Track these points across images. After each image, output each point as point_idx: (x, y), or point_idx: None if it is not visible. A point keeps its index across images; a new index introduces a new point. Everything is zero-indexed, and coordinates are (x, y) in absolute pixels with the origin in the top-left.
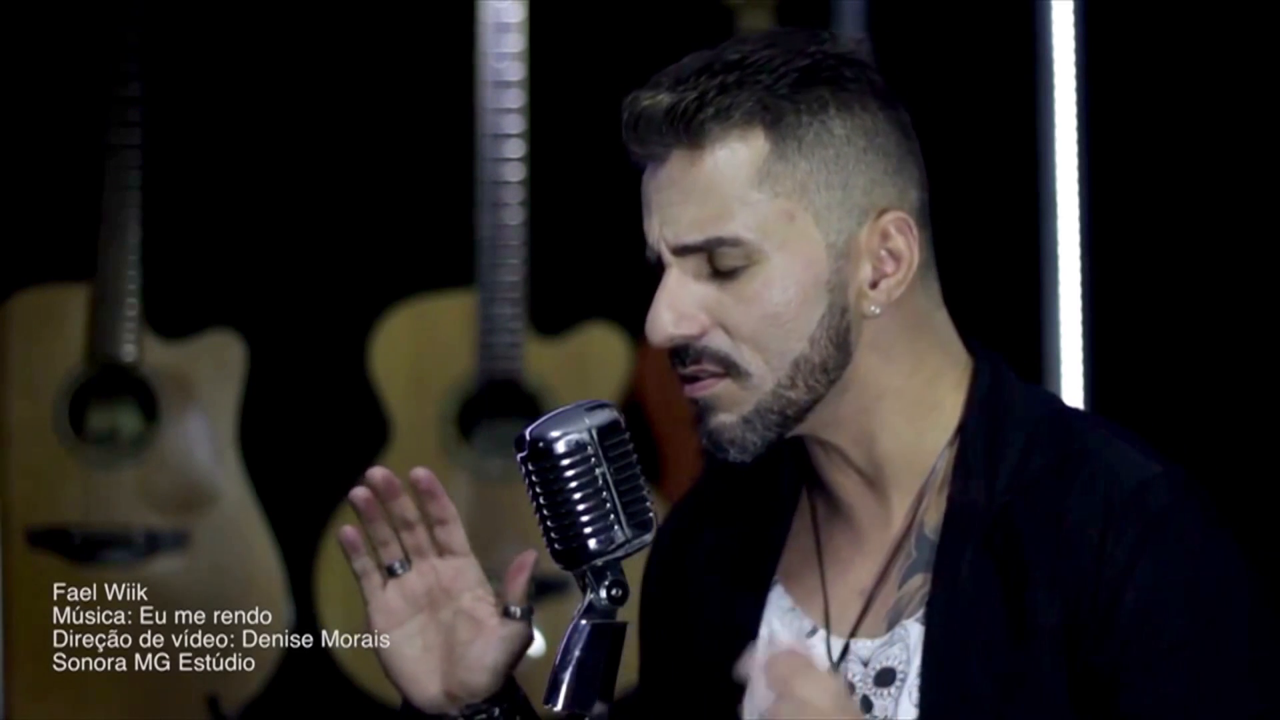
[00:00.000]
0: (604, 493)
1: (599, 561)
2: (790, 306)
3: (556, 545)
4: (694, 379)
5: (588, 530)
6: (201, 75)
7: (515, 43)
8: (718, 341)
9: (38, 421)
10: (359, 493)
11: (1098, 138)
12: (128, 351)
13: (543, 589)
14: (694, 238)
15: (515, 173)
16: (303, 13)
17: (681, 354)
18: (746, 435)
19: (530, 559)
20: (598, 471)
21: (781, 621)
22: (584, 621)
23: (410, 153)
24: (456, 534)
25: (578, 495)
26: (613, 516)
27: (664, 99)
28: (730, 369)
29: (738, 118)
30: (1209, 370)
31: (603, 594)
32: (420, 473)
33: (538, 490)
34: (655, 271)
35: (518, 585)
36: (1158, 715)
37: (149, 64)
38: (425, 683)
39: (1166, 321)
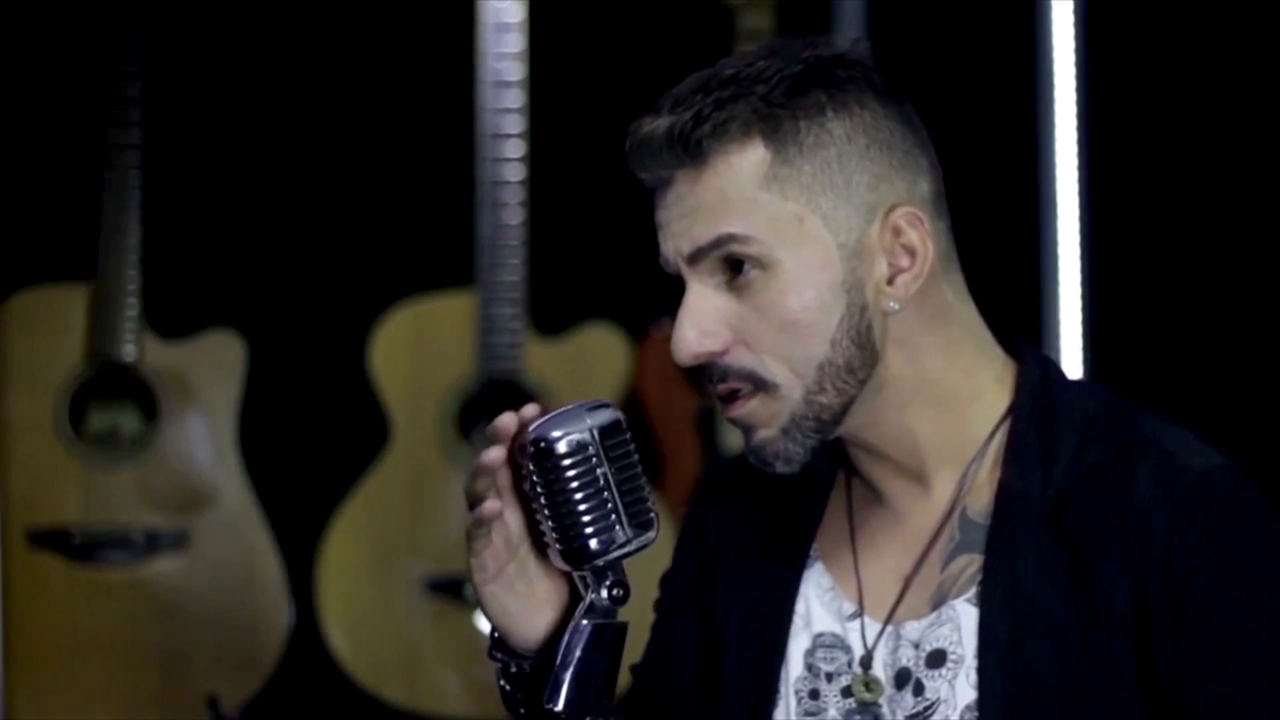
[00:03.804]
0: (605, 493)
1: (600, 562)
2: (808, 311)
3: (558, 545)
4: (728, 399)
5: (589, 530)
6: (201, 75)
7: (515, 43)
8: (741, 358)
9: (38, 421)
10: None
11: (1098, 138)
12: (128, 351)
13: None
14: (704, 238)
15: (515, 173)
16: (303, 13)
17: (709, 372)
18: (788, 446)
19: None
20: (599, 472)
21: (821, 601)
22: (585, 622)
23: (410, 153)
24: None
25: (579, 495)
26: (614, 517)
27: (663, 122)
28: (758, 383)
29: (735, 130)
30: (1210, 367)
31: (604, 594)
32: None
33: (539, 490)
34: (678, 287)
35: None
36: (1228, 703)
37: (149, 64)
38: (536, 618)
39: (1166, 319)
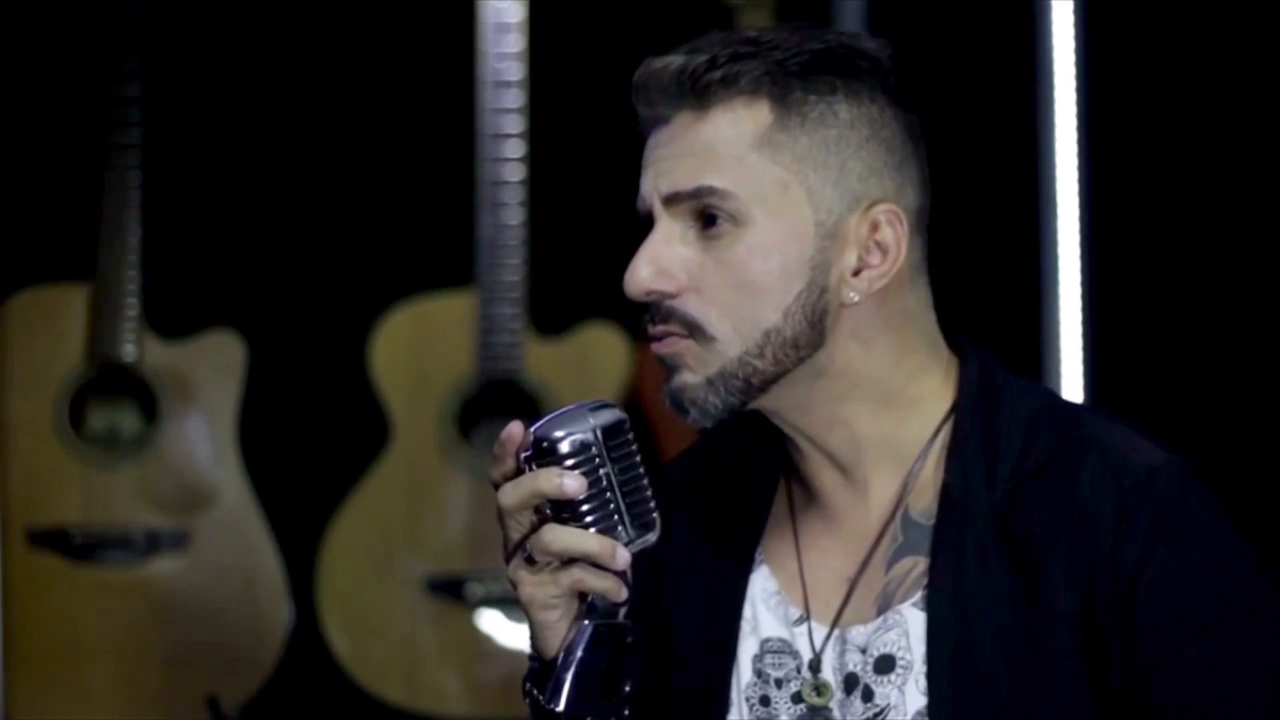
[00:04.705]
0: (608, 493)
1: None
2: (770, 277)
3: None
4: (659, 337)
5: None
6: (201, 75)
7: (515, 43)
8: (689, 305)
9: (38, 421)
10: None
11: (1098, 138)
12: (128, 351)
13: None
14: (685, 185)
15: (515, 173)
16: (303, 13)
17: (653, 311)
18: (709, 397)
19: None
20: (602, 472)
21: (767, 606)
22: (586, 622)
23: (410, 153)
24: None
25: (582, 496)
26: (616, 517)
27: (676, 60)
28: (695, 332)
29: (744, 84)
30: (1209, 369)
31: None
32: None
33: None
34: (645, 228)
35: None
36: (1182, 701)
37: (149, 64)
38: (560, 627)
39: (1166, 321)
